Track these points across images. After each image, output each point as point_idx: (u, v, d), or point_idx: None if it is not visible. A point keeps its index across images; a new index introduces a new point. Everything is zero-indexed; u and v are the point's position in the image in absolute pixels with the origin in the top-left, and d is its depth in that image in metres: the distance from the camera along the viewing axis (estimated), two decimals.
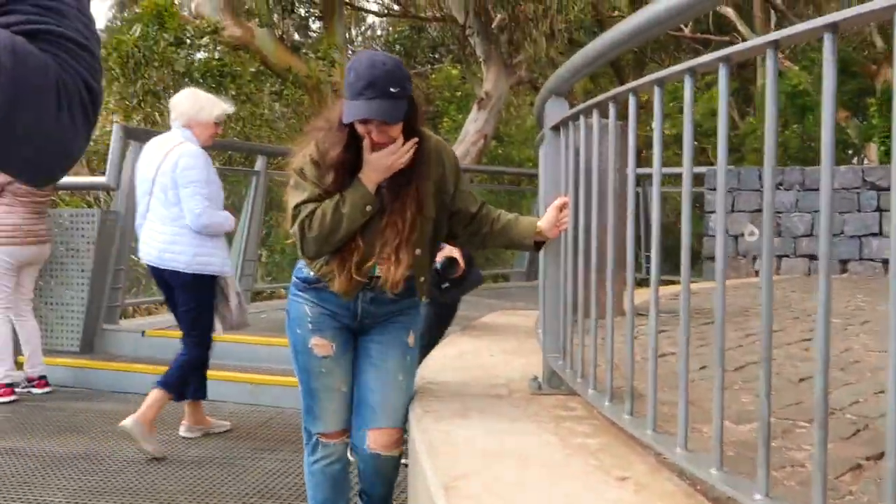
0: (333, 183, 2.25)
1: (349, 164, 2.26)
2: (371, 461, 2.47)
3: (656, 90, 1.78)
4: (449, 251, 3.29)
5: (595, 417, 2.38)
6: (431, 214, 2.38)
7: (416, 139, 2.27)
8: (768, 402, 1.42)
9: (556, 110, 2.67)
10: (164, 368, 5.31)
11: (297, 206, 2.25)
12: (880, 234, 7.15)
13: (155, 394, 3.96)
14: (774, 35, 1.37)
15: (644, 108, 2.47)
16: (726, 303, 1.64)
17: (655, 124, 1.77)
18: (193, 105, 4.09)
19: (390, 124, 2.20)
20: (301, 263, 2.43)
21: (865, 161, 15.31)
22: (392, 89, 2.14)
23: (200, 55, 9.94)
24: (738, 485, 1.49)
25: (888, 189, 7.11)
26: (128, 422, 3.85)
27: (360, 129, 2.22)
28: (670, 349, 3.09)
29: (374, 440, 2.44)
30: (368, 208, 2.25)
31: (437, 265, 3.27)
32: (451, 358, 3.46)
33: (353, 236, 2.28)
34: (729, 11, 14.98)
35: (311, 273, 2.39)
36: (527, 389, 2.75)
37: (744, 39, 15.10)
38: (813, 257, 7.37)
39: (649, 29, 1.96)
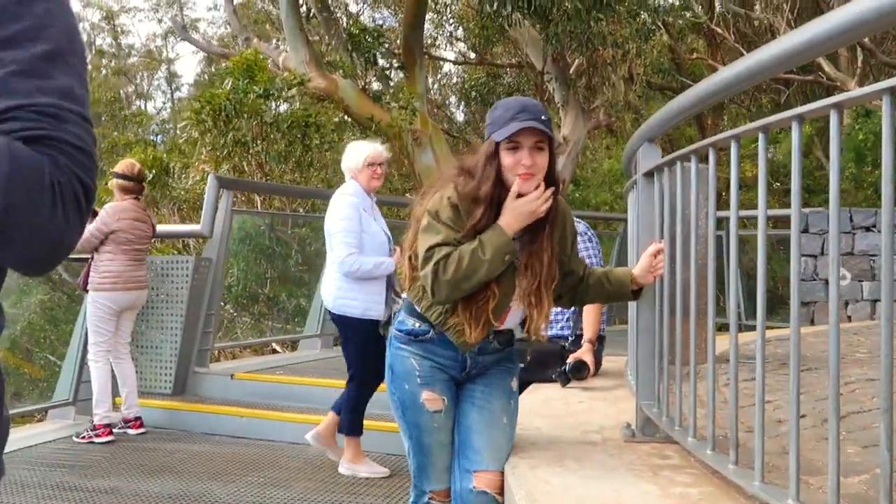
0: (481, 218, 2.18)
1: (497, 199, 2.20)
2: (476, 501, 2.36)
3: (761, 136, 1.78)
4: (581, 353, 3.61)
5: (693, 466, 2.33)
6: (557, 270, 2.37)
7: (553, 188, 2.24)
8: (891, 455, 1.37)
9: (649, 156, 2.68)
10: (249, 411, 5.48)
11: (430, 248, 2.17)
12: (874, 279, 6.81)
13: (330, 415, 4.46)
14: (890, 82, 1.36)
15: (721, 151, 2.45)
16: (823, 349, 1.59)
17: (760, 173, 1.76)
18: (346, 156, 4.40)
19: (544, 148, 2.19)
20: (404, 315, 2.37)
21: None
22: (543, 116, 2.17)
23: (287, 106, 10.29)
24: None
25: None
26: (309, 436, 4.48)
27: (508, 160, 2.18)
28: (767, 397, 3.01)
29: (481, 480, 2.34)
30: (508, 257, 2.18)
31: (567, 366, 3.60)
32: (538, 404, 3.43)
33: (488, 283, 2.21)
34: None
35: (419, 325, 2.33)
36: (620, 437, 2.71)
37: (829, 79, 14.78)
38: None
39: (746, 80, 1.96)
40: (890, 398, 1.41)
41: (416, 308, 2.33)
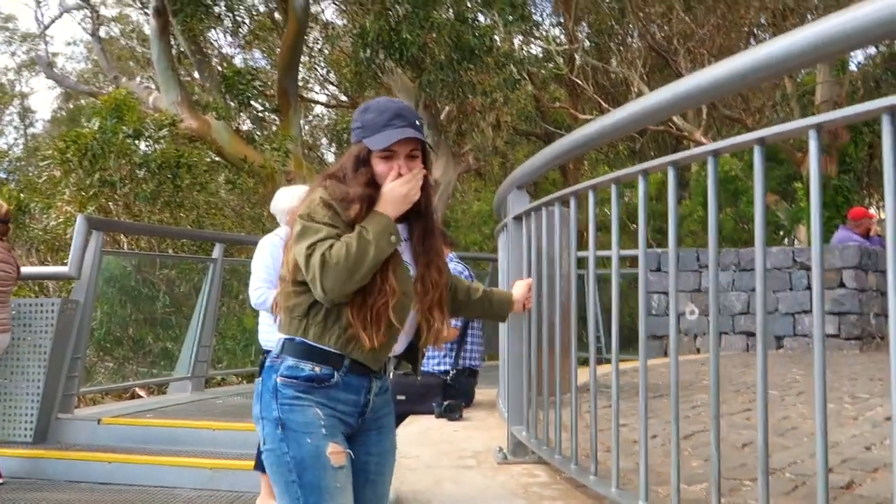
0: (355, 216, 1.99)
1: (372, 198, 2.04)
2: None
3: (613, 188, 2.05)
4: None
5: (559, 483, 2.56)
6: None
7: (423, 167, 2.09)
8: (718, 464, 1.63)
9: (519, 202, 2.94)
10: (116, 456, 5.34)
11: (311, 245, 1.93)
12: (810, 311, 7.56)
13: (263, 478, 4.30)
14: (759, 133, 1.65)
15: (583, 198, 2.76)
16: (667, 378, 1.85)
17: (613, 218, 2.02)
18: (277, 200, 4.49)
19: (417, 155, 2.07)
20: (291, 360, 2.00)
21: (796, 242, 16.11)
22: (417, 122, 2.07)
23: (157, 147, 10.12)
24: None
25: None
26: None
27: (382, 168, 2.04)
28: (622, 421, 3.30)
29: None
30: (393, 238, 1.98)
31: (443, 406, 3.94)
32: (416, 434, 3.60)
33: (384, 279, 1.99)
34: None
35: (319, 369, 1.99)
36: (493, 460, 2.92)
37: (678, 129, 15.96)
38: (750, 334, 7.74)
39: (609, 134, 2.23)
40: (717, 406, 1.68)
41: (311, 344, 1.99)
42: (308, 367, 1.98)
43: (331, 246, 1.92)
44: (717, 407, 1.67)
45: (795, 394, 4.48)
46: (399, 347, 2.13)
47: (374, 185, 2.04)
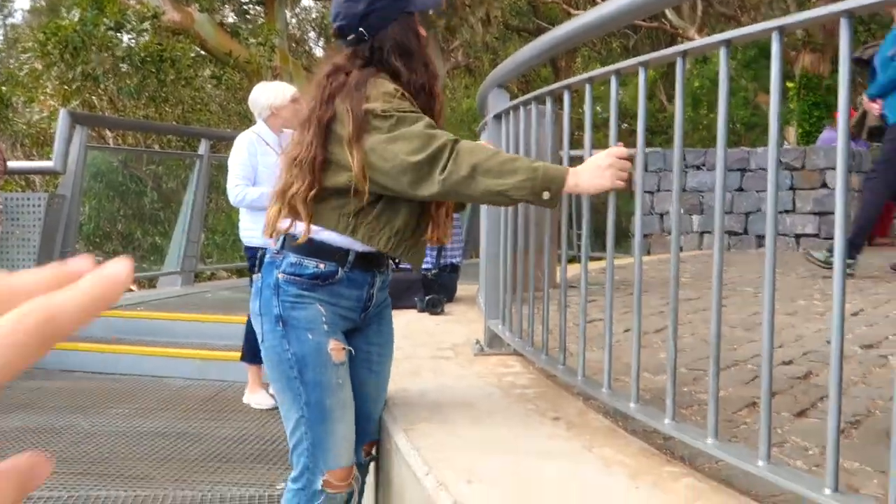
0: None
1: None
2: (366, 466, 2.25)
3: (587, 87, 2.06)
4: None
5: (531, 372, 2.67)
6: None
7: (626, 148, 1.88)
8: (675, 344, 1.71)
9: (498, 101, 2.93)
10: (109, 346, 5.47)
11: (428, 126, 1.79)
12: (794, 211, 7.65)
13: (251, 368, 4.51)
14: (727, 34, 1.64)
15: (577, 93, 2.72)
16: (653, 275, 1.90)
17: (587, 117, 2.04)
18: (252, 97, 4.46)
19: None
20: (294, 256, 1.92)
21: (785, 143, 16.08)
22: None
23: (140, 40, 9.89)
24: (652, 414, 1.78)
25: (801, 169, 7.61)
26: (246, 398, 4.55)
27: (423, 32, 1.98)
28: (598, 316, 3.40)
29: (371, 447, 2.23)
30: (546, 195, 1.76)
31: (425, 301, 4.08)
32: (397, 327, 3.68)
33: None
34: None
35: (324, 266, 1.92)
36: (470, 352, 3.03)
37: (672, 26, 15.65)
38: (732, 233, 7.84)
39: (592, 30, 2.19)
40: (676, 300, 1.74)
41: (315, 240, 1.90)
42: (312, 265, 1.92)
43: (465, 143, 1.78)
44: (676, 301, 1.73)
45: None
46: None
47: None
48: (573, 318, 2.47)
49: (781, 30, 1.47)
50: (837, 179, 1.29)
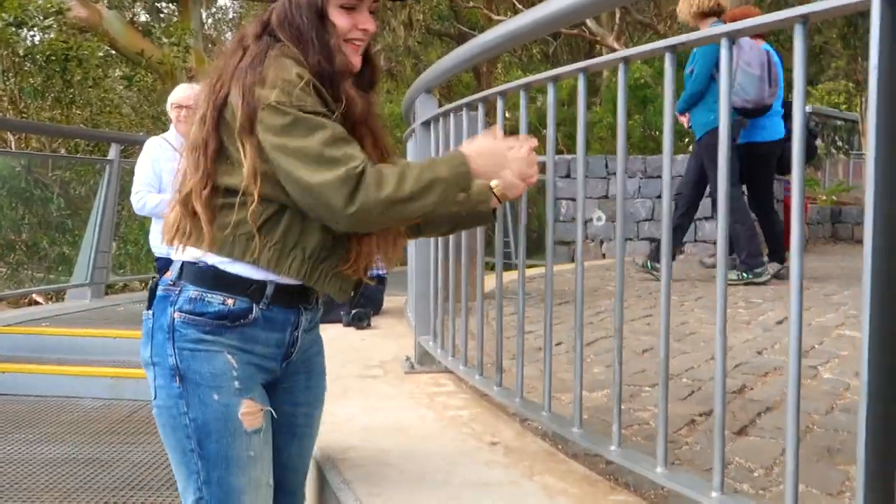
0: (353, 101, 1.51)
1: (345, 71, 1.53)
2: None
3: (522, 93, 1.99)
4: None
5: (465, 392, 2.58)
6: None
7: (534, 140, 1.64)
8: (620, 369, 1.64)
9: (426, 107, 2.84)
10: (17, 366, 5.15)
11: (329, 144, 1.41)
12: (713, 217, 7.81)
13: None
14: (670, 41, 1.58)
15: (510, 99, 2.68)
16: (573, 284, 1.83)
17: (521, 122, 1.97)
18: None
19: (375, 10, 1.57)
20: (195, 290, 1.49)
21: None
22: None
23: (43, 37, 9.46)
24: (596, 440, 1.71)
25: None
26: None
27: (342, 22, 1.51)
28: (528, 328, 3.35)
29: None
30: (463, 196, 1.59)
31: (351, 315, 3.91)
32: (324, 344, 3.57)
33: None
34: None
35: (234, 302, 1.49)
36: (400, 369, 2.92)
37: (591, 33, 15.89)
38: (654, 240, 7.96)
39: (520, 37, 2.14)
40: (621, 317, 1.68)
41: (220, 270, 1.49)
42: (217, 300, 1.48)
43: (367, 161, 1.42)
44: (621, 318, 1.66)
45: (694, 299, 4.63)
46: None
47: (343, 53, 1.52)
48: (507, 330, 2.40)
49: (731, 36, 1.43)
50: (794, 175, 1.24)
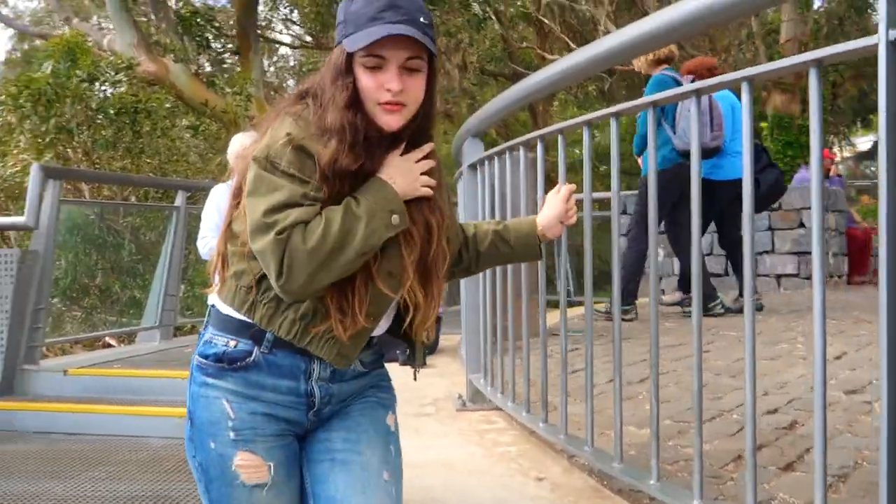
0: (336, 156, 1.40)
1: (357, 129, 1.43)
2: None
3: (560, 137, 2.07)
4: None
5: (514, 429, 2.63)
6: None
7: (431, 144, 1.54)
8: (657, 405, 1.68)
9: (473, 150, 2.94)
10: (90, 407, 5.36)
11: (270, 212, 1.37)
12: (773, 251, 7.70)
13: None
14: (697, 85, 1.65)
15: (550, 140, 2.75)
16: (633, 322, 1.88)
17: (560, 168, 2.04)
18: (229, 148, 4.50)
19: (420, 69, 1.44)
20: (210, 332, 1.49)
21: None
22: (422, 19, 1.44)
23: (114, 91, 9.93)
24: (636, 475, 1.75)
25: (778, 209, 7.69)
26: None
27: (366, 82, 1.43)
28: (580, 366, 3.38)
29: None
30: (396, 219, 1.41)
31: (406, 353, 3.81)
32: None
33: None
34: None
35: (235, 345, 1.45)
36: (452, 407, 2.99)
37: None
38: (714, 274, 7.87)
39: (564, 80, 2.20)
40: (657, 365, 1.72)
41: (234, 316, 1.46)
42: (221, 342, 1.46)
43: (301, 221, 1.35)
44: (657, 354, 1.71)
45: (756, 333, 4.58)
46: (380, 328, 1.54)
47: (358, 109, 1.43)
48: (556, 367, 2.45)
49: (751, 80, 1.50)
50: (813, 219, 1.29)
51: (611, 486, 2.01)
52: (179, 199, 7.58)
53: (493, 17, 14.73)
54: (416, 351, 1.60)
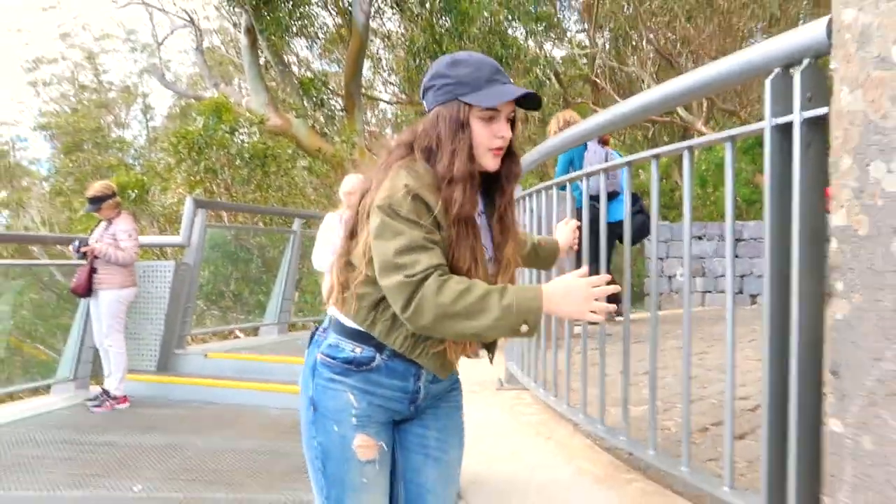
0: (463, 202, 1.39)
1: (474, 177, 1.43)
2: None
3: (602, 175, 2.19)
4: None
5: (539, 404, 2.85)
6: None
7: (609, 279, 1.43)
8: (654, 386, 1.90)
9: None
10: (223, 382, 5.76)
11: (398, 254, 1.35)
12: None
13: None
14: (731, 132, 1.84)
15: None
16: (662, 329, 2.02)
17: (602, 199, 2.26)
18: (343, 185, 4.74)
19: (513, 119, 1.49)
20: (335, 337, 1.53)
21: None
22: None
23: (249, 140, 10.53)
24: (612, 432, 1.95)
25: None
26: None
27: (481, 132, 1.44)
28: (595, 360, 3.55)
29: None
30: (524, 328, 1.33)
31: None
32: None
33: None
34: None
35: (360, 351, 1.50)
36: (493, 387, 3.21)
37: (682, 120, 15.81)
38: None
39: (592, 132, 2.32)
40: (656, 344, 1.93)
41: (359, 328, 1.50)
42: (349, 348, 1.50)
43: (431, 267, 1.33)
44: (655, 343, 1.92)
45: (748, 340, 4.66)
46: None
47: (473, 160, 1.43)
48: (580, 361, 2.59)
49: (732, 139, 1.59)
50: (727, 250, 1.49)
51: (602, 445, 2.21)
52: (296, 225, 8.05)
53: (553, 79, 14.93)
54: (496, 348, 1.64)
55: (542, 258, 1.87)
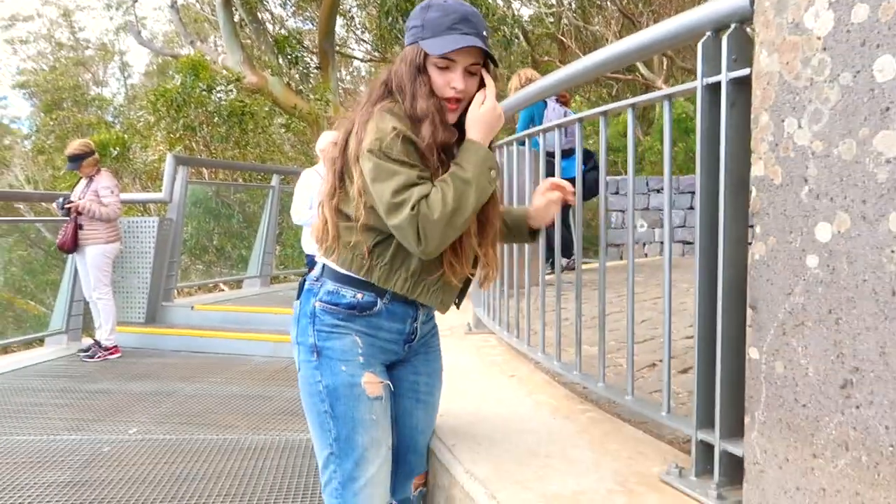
0: (430, 137, 1.39)
1: (441, 112, 1.43)
2: (416, 502, 1.74)
3: (577, 124, 2.12)
4: None
5: (503, 345, 2.95)
6: None
7: (484, 87, 1.46)
8: (604, 325, 1.99)
9: None
10: (210, 332, 5.80)
11: (396, 192, 1.34)
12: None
13: None
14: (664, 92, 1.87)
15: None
16: (612, 277, 2.03)
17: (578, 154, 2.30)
18: (319, 142, 4.71)
19: (475, 74, 1.44)
20: (332, 284, 1.50)
21: None
22: (484, 32, 1.44)
23: (226, 98, 10.33)
24: (566, 367, 2.06)
25: None
26: None
27: (436, 79, 1.42)
28: (565, 306, 3.65)
29: (420, 481, 1.73)
30: (493, 172, 1.40)
31: None
32: None
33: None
34: None
35: (362, 296, 1.49)
36: (462, 331, 3.31)
37: (644, 78, 15.80)
38: (686, 242, 8.03)
39: (550, 89, 2.24)
40: (604, 287, 2.01)
41: (356, 276, 1.49)
42: (350, 294, 1.48)
43: (424, 195, 1.34)
44: (604, 287, 2.00)
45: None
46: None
47: (435, 97, 1.42)
48: (547, 308, 2.65)
49: (669, 97, 1.59)
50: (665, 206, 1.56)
51: (560, 380, 2.32)
52: (275, 181, 8.00)
53: (521, 38, 14.76)
54: (465, 294, 1.64)
55: (512, 229, 1.72)
